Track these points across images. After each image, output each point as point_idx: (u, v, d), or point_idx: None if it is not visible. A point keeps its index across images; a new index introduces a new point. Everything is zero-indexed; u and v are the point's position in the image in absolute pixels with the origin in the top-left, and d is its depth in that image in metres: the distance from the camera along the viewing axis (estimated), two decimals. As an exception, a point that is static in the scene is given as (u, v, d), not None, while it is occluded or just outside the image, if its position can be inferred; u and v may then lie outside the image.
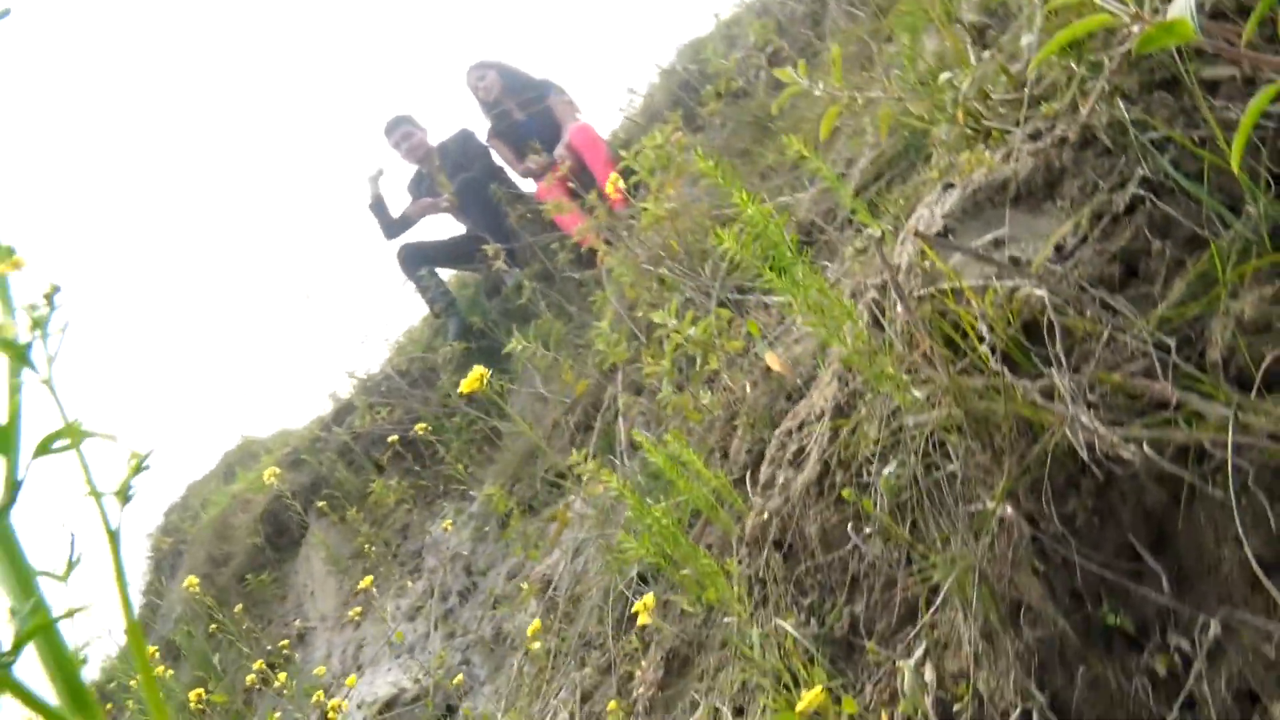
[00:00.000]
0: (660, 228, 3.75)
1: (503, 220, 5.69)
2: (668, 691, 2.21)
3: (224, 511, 6.39)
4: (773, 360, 2.07)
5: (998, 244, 1.45)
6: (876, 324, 1.60)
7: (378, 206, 6.17)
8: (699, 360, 2.75)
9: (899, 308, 1.47)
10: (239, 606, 5.36)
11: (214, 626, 5.64)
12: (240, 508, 6.27)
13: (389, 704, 4.17)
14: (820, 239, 3.11)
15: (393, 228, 6.22)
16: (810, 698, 1.34)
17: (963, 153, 1.71)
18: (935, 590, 1.51)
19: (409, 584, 4.86)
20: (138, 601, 7.88)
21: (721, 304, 3.29)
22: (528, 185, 6.23)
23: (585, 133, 5.59)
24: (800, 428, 1.90)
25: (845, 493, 1.55)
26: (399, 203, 6.21)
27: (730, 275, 3.39)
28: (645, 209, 3.80)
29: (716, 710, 1.96)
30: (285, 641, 5.05)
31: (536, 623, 3.13)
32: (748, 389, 2.52)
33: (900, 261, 1.57)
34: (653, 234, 3.87)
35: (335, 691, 4.80)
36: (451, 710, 4.06)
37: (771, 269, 2.10)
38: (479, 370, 2.84)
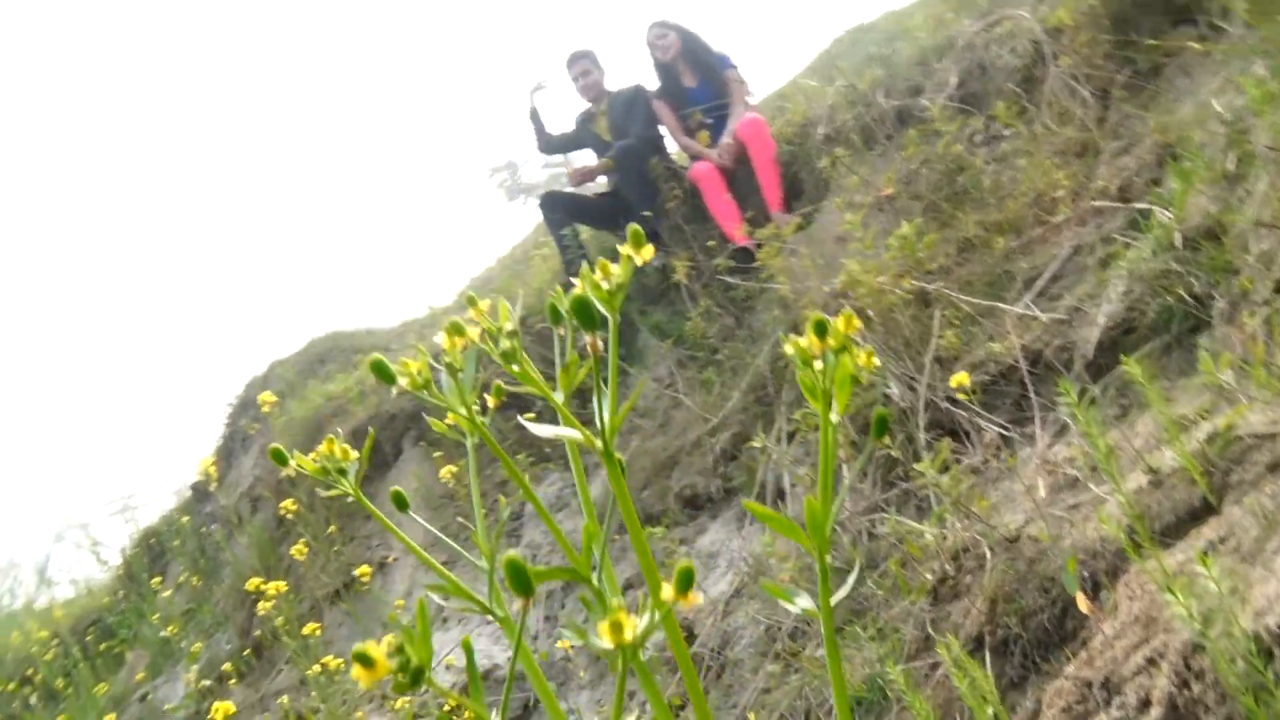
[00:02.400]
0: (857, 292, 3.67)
1: (655, 195, 5.58)
2: None
3: (317, 411, 6.40)
4: (1083, 603, 2.03)
5: None
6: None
7: (535, 118, 6.27)
8: (934, 500, 2.71)
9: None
10: (332, 527, 5.41)
11: (288, 511, 5.61)
12: (334, 412, 6.27)
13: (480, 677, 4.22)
14: (1049, 375, 3.03)
15: (550, 143, 6.35)
16: None
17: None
18: None
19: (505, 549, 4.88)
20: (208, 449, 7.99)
21: (927, 406, 3.23)
22: (681, 156, 6.12)
23: (756, 126, 5.45)
24: (1105, 684, 1.87)
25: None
26: (564, 126, 6.35)
27: (939, 372, 3.32)
28: (849, 267, 3.71)
29: None
30: (364, 568, 5.07)
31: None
32: (986, 554, 2.48)
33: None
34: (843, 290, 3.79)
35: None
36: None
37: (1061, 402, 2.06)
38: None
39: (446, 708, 3.99)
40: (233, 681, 5.60)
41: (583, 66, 6.06)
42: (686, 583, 0.53)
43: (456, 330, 0.68)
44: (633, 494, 4.38)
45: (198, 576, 6.90)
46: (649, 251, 0.71)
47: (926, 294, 3.71)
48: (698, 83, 5.85)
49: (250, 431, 7.27)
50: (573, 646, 4.15)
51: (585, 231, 6.11)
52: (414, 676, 0.53)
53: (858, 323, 0.71)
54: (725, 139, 5.53)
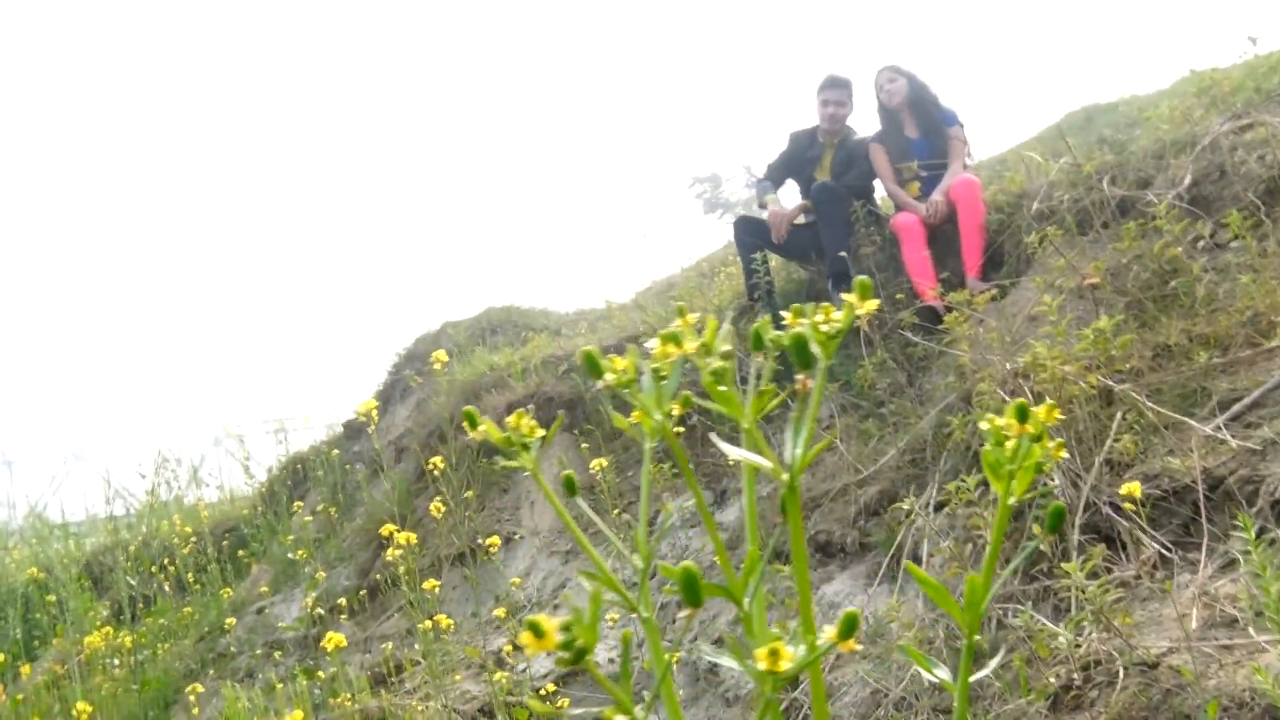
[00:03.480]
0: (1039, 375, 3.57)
1: (849, 236, 5.56)
2: None
3: (479, 378, 6.59)
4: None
5: None
6: None
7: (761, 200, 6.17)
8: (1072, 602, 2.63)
9: None
10: (470, 492, 5.57)
11: (435, 466, 5.70)
12: (495, 383, 6.45)
13: (574, 675, 4.27)
14: (1227, 504, 2.90)
15: (764, 187, 6.24)
16: None
17: None
18: None
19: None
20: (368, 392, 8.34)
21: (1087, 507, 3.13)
22: (887, 203, 6.08)
23: (970, 188, 5.36)
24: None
25: None
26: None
27: (1107, 475, 3.21)
28: (1036, 349, 3.62)
29: None
30: (494, 539, 5.16)
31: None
32: (1120, 672, 2.39)
33: None
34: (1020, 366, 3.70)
35: (529, 613, 4.97)
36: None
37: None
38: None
39: (542, 691, 4.06)
40: (344, 616, 5.81)
41: (839, 96, 5.97)
42: (849, 629, 0.55)
43: (673, 340, 0.71)
44: (767, 526, 4.37)
45: (334, 509, 7.19)
46: (872, 305, 0.72)
47: (1111, 393, 3.59)
48: (919, 134, 5.79)
49: (412, 384, 7.53)
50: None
51: (774, 259, 6.11)
52: (577, 655, 0.56)
53: (1059, 414, 0.71)
54: (936, 196, 5.46)
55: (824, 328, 0.70)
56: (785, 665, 0.53)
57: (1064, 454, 0.70)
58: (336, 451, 7.74)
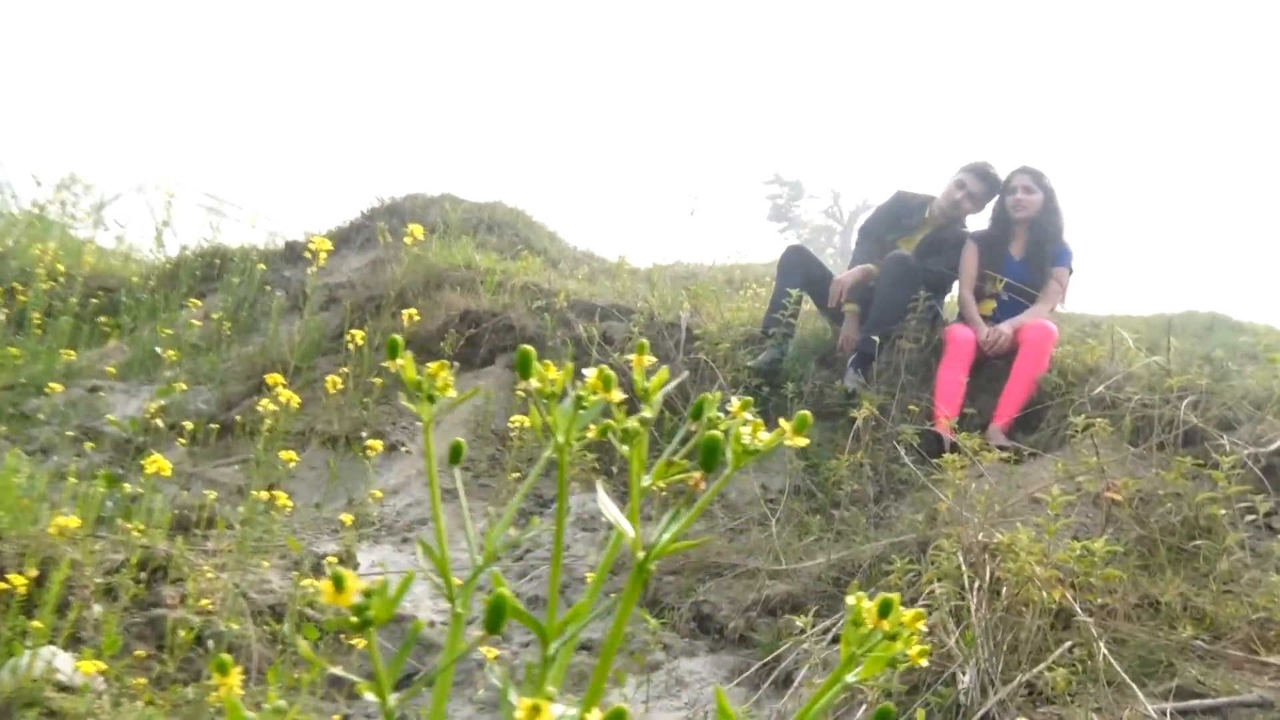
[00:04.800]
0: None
1: (895, 320, 5.62)
2: None
3: (450, 268, 6.65)
4: None
5: None
6: None
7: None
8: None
9: None
10: (379, 380, 5.63)
11: (353, 340, 5.74)
12: (462, 280, 6.51)
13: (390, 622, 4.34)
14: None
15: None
16: None
17: None
18: None
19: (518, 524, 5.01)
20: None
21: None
22: (952, 306, 6.16)
23: (1043, 335, 5.44)
24: None
25: None
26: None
27: (1021, 698, 3.31)
28: (1019, 534, 3.70)
29: None
30: (378, 442, 5.21)
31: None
32: None
33: None
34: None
35: (376, 531, 5.04)
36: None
37: None
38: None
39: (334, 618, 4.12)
40: (182, 440, 5.82)
41: (980, 190, 6.06)
42: (615, 723, 0.61)
43: (606, 383, 0.76)
44: (655, 577, 4.46)
45: (230, 324, 7.21)
46: (803, 442, 0.79)
47: (1071, 618, 3.67)
48: (1023, 256, 5.83)
49: (380, 238, 7.57)
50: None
51: (809, 303, 6.18)
52: (362, 624, 0.62)
53: (924, 623, 0.77)
54: (1005, 327, 5.53)
55: (747, 440, 0.76)
56: (538, 729, 0.59)
57: (924, 661, 0.77)
58: (264, 267, 7.77)
